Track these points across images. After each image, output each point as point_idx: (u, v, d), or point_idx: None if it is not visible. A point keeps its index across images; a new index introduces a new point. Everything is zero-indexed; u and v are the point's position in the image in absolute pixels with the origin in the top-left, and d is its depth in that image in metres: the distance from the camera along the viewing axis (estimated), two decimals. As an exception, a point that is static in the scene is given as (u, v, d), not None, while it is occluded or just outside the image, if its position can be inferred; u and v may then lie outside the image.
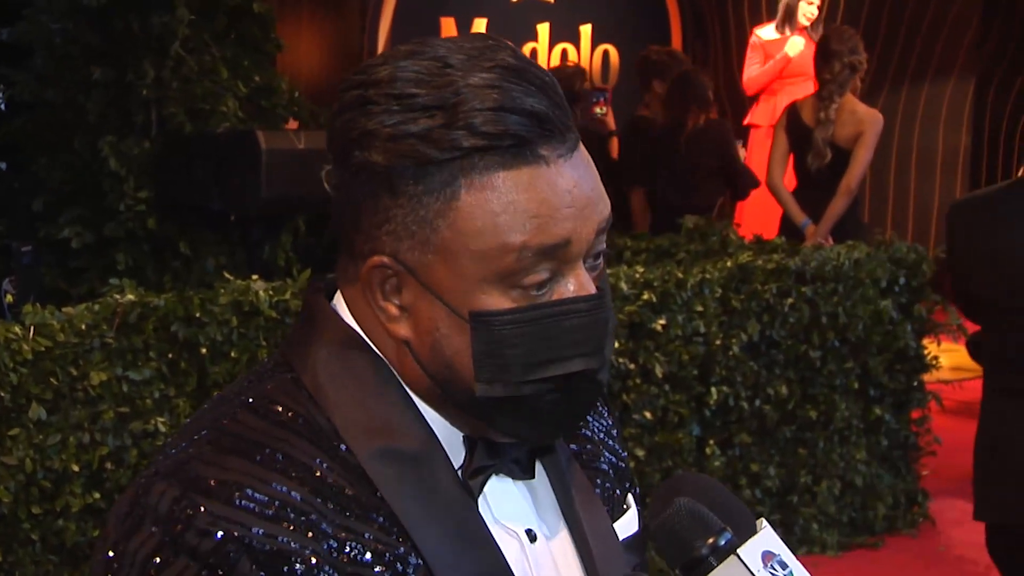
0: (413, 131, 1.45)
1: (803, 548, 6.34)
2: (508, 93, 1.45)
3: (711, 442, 6.02)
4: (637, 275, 5.76)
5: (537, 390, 1.51)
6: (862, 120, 7.74)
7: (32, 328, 4.34)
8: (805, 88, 9.81)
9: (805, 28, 11.11)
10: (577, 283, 1.51)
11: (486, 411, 1.53)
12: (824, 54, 7.90)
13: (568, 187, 1.48)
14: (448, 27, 11.98)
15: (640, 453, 5.70)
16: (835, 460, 6.49)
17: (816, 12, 11.16)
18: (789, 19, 11.16)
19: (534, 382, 1.50)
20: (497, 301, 1.48)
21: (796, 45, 10.94)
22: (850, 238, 6.99)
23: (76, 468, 4.36)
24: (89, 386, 4.40)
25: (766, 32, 11.35)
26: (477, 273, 1.47)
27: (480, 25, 12.16)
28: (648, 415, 5.74)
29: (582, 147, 1.52)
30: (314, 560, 1.46)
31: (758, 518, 1.60)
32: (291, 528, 1.46)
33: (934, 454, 7.03)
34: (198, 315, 4.61)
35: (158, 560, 1.44)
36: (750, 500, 6.16)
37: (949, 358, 7.94)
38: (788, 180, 8.19)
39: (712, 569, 1.52)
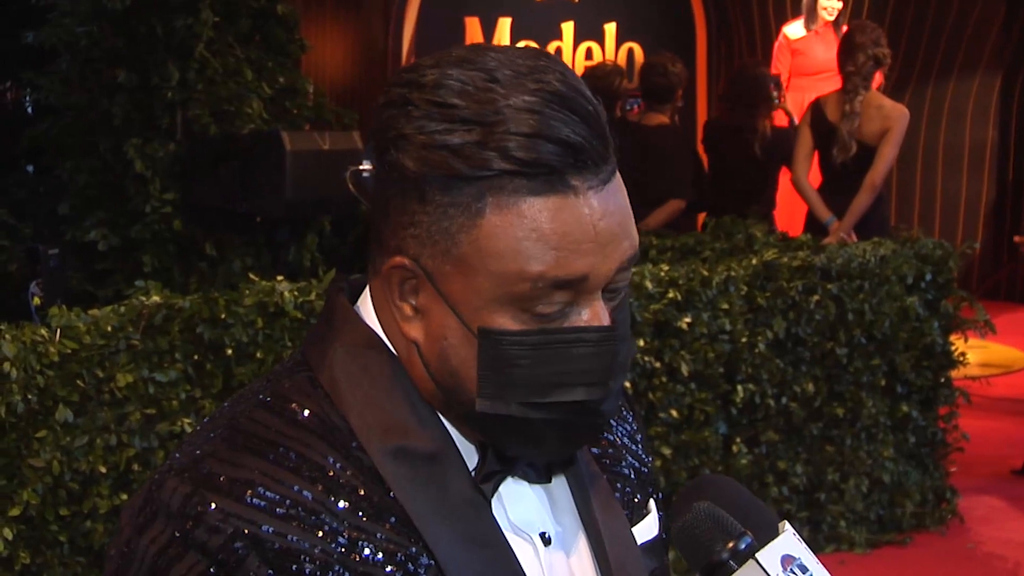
0: (448, 143, 1.44)
1: (831, 546, 6.32)
2: (547, 120, 1.44)
3: (738, 440, 6.01)
4: (662, 273, 5.75)
5: (536, 414, 1.50)
6: (889, 116, 7.70)
7: (58, 330, 4.35)
8: (832, 84, 9.79)
9: (831, 23, 11.07)
10: (591, 313, 1.50)
11: (485, 426, 1.53)
12: (848, 47, 7.87)
13: (594, 220, 1.47)
14: (472, 27, 11.98)
15: (666, 452, 5.69)
16: (862, 457, 6.48)
17: (839, 4, 11.11)
18: (811, 14, 11.14)
19: (534, 405, 1.50)
20: (506, 321, 1.48)
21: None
22: (875, 236, 6.96)
23: (103, 470, 4.37)
24: (115, 388, 4.41)
25: (793, 30, 11.32)
26: (491, 292, 1.47)
27: (504, 25, 12.16)
28: (674, 413, 5.73)
29: (617, 178, 1.51)
30: (323, 559, 1.47)
31: (782, 519, 1.60)
32: (301, 527, 1.47)
33: (962, 451, 7.01)
34: (223, 316, 4.62)
35: (168, 555, 1.46)
36: (777, 498, 6.15)
37: (976, 354, 7.93)
38: (813, 177, 8.17)
39: (732, 573, 1.53)
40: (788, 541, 1.54)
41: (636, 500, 1.77)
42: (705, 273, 5.85)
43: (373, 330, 1.58)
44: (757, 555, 1.52)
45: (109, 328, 4.44)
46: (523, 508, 1.61)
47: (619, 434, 1.82)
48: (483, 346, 1.49)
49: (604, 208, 1.48)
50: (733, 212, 7.70)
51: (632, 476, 1.79)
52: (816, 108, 8.03)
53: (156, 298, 4.58)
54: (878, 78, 7.99)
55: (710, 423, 5.87)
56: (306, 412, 1.55)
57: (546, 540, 1.61)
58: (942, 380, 6.80)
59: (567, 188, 1.46)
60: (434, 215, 1.47)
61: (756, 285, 6.03)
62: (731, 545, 1.53)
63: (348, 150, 6.78)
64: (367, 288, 1.62)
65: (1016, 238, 10.17)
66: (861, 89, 7.74)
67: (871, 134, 7.70)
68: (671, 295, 5.68)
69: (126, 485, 4.44)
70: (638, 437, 1.85)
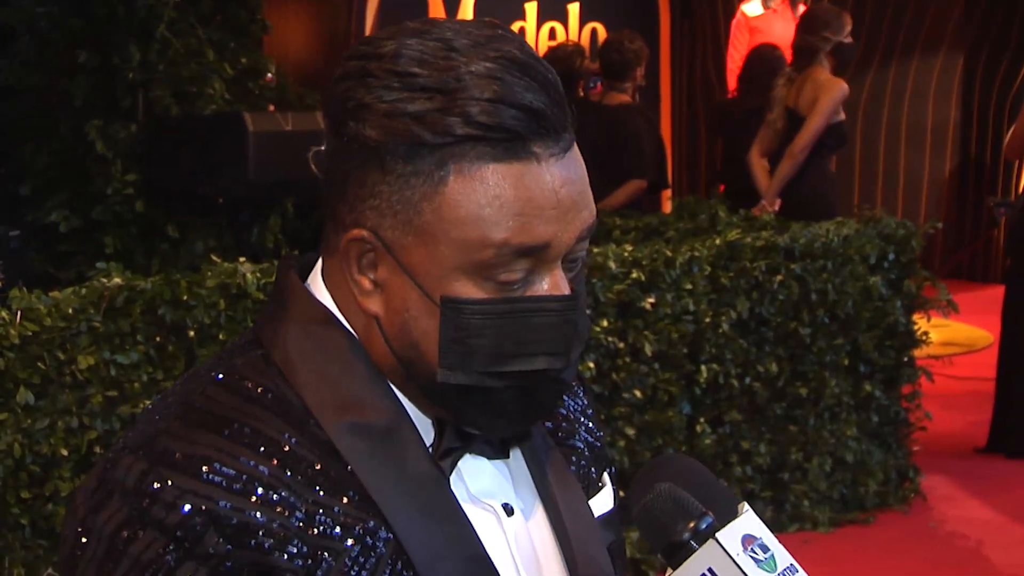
0: (409, 111, 1.45)
1: (794, 525, 6.34)
2: (508, 86, 1.45)
3: (701, 420, 6.02)
4: (626, 254, 5.75)
5: (498, 383, 1.51)
6: (820, 87, 7.74)
7: (19, 313, 4.33)
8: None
9: (788, 1, 11.07)
10: (552, 283, 1.51)
11: (446, 398, 1.53)
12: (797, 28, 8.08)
13: (556, 187, 1.48)
14: (436, 7, 11.95)
15: (630, 432, 5.69)
16: (826, 437, 6.50)
17: None
18: None
19: (496, 374, 1.51)
20: (469, 290, 1.49)
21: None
22: (821, 219, 6.91)
23: (65, 452, 4.35)
24: (77, 370, 4.39)
25: (751, 8, 11.32)
26: (453, 261, 1.48)
27: (468, 5, 12.13)
28: (638, 394, 5.73)
29: (576, 148, 1.52)
30: (282, 534, 1.47)
31: (741, 502, 1.60)
32: (258, 502, 1.47)
33: (925, 430, 7.04)
34: (185, 298, 4.60)
35: (125, 534, 1.45)
36: (741, 478, 6.16)
37: (939, 333, 7.96)
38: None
39: (693, 552, 1.53)
40: (749, 521, 1.54)
41: (591, 473, 1.78)
42: (669, 253, 5.86)
43: (325, 306, 1.58)
44: (717, 535, 1.52)
45: (70, 310, 4.42)
46: (484, 481, 1.62)
47: (571, 408, 1.82)
48: (446, 315, 1.49)
49: (565, 176, 1.49)
50: (751, 193, 7.80)
51: (585, 450, 1.80)
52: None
53: (117, 280, 4.55)
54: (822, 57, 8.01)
55: (674, 403, 5.88)
56: (260, 389, 1.54)
57: (508, 511, 1.62)
58: (905, 359, 6.83)
59: (529, 155, 1.47)
60: (395, 185, 1.47)
61: (720, 265, 6.03)
62: (692, 525, 1.54)
63: (311, 131, 6.75)
64: (318, 265, 1.62)
65: (989, 200, 10.22)
66: (795, 70, 7.89)
67: (806, 106, 7.75)
68: (635, 275, 5.69)
69: (88, 468, 4.42)
70: (589, 412, 1.85)
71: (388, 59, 1.47)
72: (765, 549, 1.53)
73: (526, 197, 1.46)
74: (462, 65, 1.45)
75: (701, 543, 1.53)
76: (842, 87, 7.81)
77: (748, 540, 1.53)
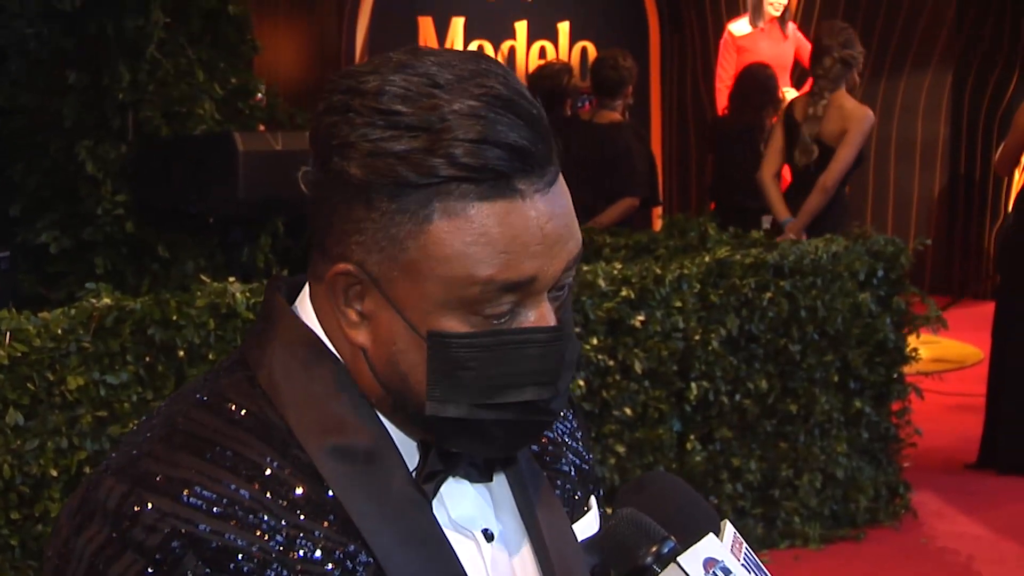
0: (394, 150, 1.44)
1: (785, 542, 6.34)
2: (492, 125, 1.44)
3: (692, 437, 6.02)
4: (615, 271, 5.76)
5: (487, 415, 1.52)
6: (848, 117, 7.70)
7: (8, 333, 4.33)
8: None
9: (776, 19, 11.07)
10: (538, 314, 1.51)
11: (436, 428, 1.54)
12: (816, 50, 7.94)
13: (541, 223, 1.48)
14: (426, 27, 11.98)
15: (620, 450, 5.69)
16: (816, 453, 6.50)
17: (784, 1, 11.09)
18: (757, 11, 11.13)
19: (485, 406, 1.51)
20: (456, 325, 1.49)
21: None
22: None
23: (55, 473, 4.35)
24: (66, 391, 4.38)
25: (738, 27, 11.32)
26: (440, 296, 1.48)
27: (458, 24, 12.16)
28: (628, 411, 5.74)
29: (561, 179, 1.52)
30: (261, 557, 1.47)
31: (723, 520, 1.61)
32: (239, 526, 1.48)
33: (915, 446, 7.05)
34: (175, 318, 4.60)
35: (106, 555, 1.46)
36: (731, 495, 6.16)
37: (928, 350, 7.97)
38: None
39: None
40: (711, 544, 1.56)
41: (576, 497, 1.78)
42: (658, 271, 5.86)
43: (311, 329, 1.59)
44: (679, 559, 1.54)
45: (59, 331, 4.41)
46: (465, 506, 1.62)
47: (559, 432, 1.83)
48: (432, 349, 1.49)
49: (550, 210, 1.49)
50: (742, 210, 7.78)
51: (572, 473, 1.80)
52: (788, 108, 8.10)
53: (107, 300, 4.55)
54: (852, 77, 7.97)
55: (664, 421, 5.88)
56: (243, 411, 1.55)
57: (488, 536, 1.62)
58: (895, 376, 6.83)
59: (514, 192, 1.47)
60: (380, 222, 1.47)
61: (709, 282, 6.04)
62: (654, 549, 1.55)
63: (301, 150, 6.70)
64: (306, 288, 1.62)
65: None
66: (826, 92, 7.77)
67: (830, 135, 7.72)
68: (624, 293, 5.69)
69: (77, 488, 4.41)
70: (578, 434, 1.86)
71: (371, 96, 1.46)
72: (727, 572, 1.54)
73: (511, 235, 1.46)
74: (445, 104, 1.44)
75: (663, 567, 1.54)
76: (869, 116, 7.79)
77: (710, 563, 1.54)
